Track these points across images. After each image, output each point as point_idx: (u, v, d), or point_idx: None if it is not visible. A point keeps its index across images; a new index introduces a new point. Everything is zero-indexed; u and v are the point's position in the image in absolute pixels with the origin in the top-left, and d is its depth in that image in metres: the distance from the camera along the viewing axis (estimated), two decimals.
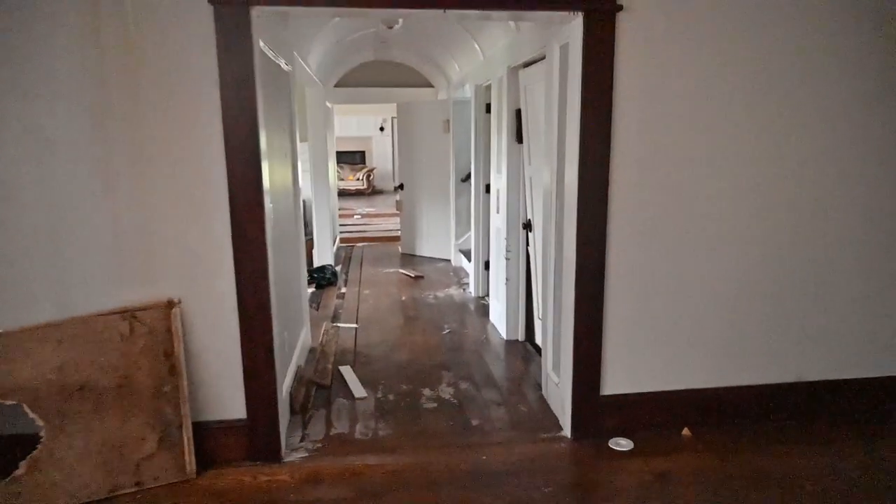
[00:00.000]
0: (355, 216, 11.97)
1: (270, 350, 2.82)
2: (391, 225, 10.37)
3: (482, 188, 5.71)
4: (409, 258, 7.88)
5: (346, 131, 17.19)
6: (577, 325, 2.96)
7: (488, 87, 5.42)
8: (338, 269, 7.16)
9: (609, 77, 2.75)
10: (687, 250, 2.97)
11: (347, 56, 7.27)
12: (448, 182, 7.35)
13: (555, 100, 3.19)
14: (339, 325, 5.03)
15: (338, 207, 9.19)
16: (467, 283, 6.36)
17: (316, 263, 7.18)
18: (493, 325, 4.98)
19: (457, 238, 7.34)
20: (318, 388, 3.75)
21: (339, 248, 8.48)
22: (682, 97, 2.83)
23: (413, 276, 6.77)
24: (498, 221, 4.83)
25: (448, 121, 7.24)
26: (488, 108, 5.53)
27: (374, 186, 16.83)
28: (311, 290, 6.14)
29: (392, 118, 14.58)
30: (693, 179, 2.91)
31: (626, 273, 2.94)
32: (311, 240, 7.25)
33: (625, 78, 2.77)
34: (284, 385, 3.38)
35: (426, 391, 3.68)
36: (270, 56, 3.28)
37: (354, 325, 5.00)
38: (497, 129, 4.77)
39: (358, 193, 16.39)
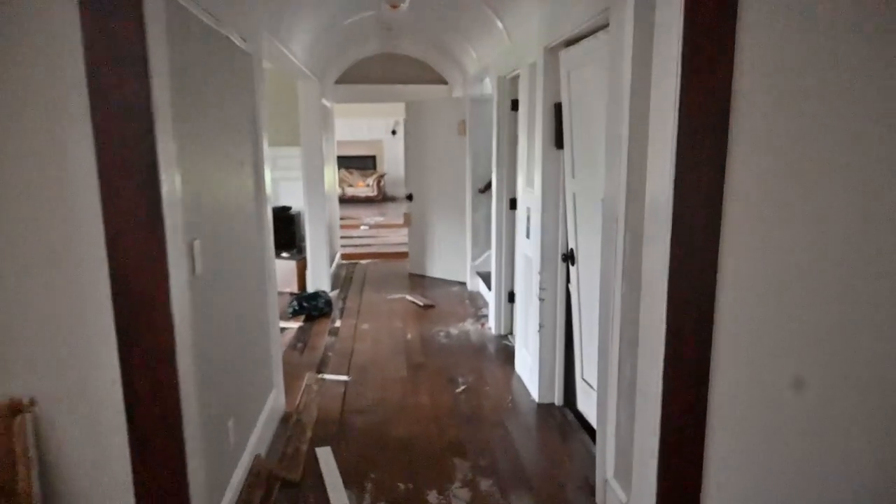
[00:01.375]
0: (362, 227, 10.97)
1: (180, 468, 1.79)
2: (401, 237, 9.31)
3: (505, 203, 4.65)
4: (418, 280, 6.83)
5: (356, 135, 16.24)
6: (666, 423, 1.90)
7: (514, 79, 4.37)
8: (334, 294, 6.13)
9: (728, 53, 1.69)
10: (853, 317, 1.87)
11: (348, 48, 6.26)
12: (464, 193, 6.31)
13: (625, 87, 2.14)
14: (325, 376, 4.00)
15: (339, 219, 8.18)
16: (486, 316, 5.30)
17: (309, 288, 6.17)
18: (519, 378, 3.91)
19: (473, 258, 6.28)
20: (284, 483, 2.71)
21: (339, 267, 7.46)
22: (843, 84, 1.75)
23: (422, 304, 5.72)
24: (528, 248, 3.78)
25: (464, 122, 6.21)
26: (514, 105, 4.48)
27: (385, 193, 15.87)
28: (298, 324, 5.11)
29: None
30: (861, 210, 1.82)
31: (748, 347, 1.87)
32: (304, 259, 6.24)
33: (752, 54, 1.70)
34: (229, 488, 2.36)
35: (432, 495, 2.62)
36: (208, 23, 2.27)
37: (345, 378, 3.96)
38: (527, 131, 3.72)
39: (368, 201, 15.42)
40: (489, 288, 5.28)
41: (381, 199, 15.55)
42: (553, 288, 3.44)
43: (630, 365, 2.17)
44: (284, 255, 6.41)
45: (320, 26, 4.77)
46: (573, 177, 3.14)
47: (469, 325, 5.11)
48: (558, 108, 3.25)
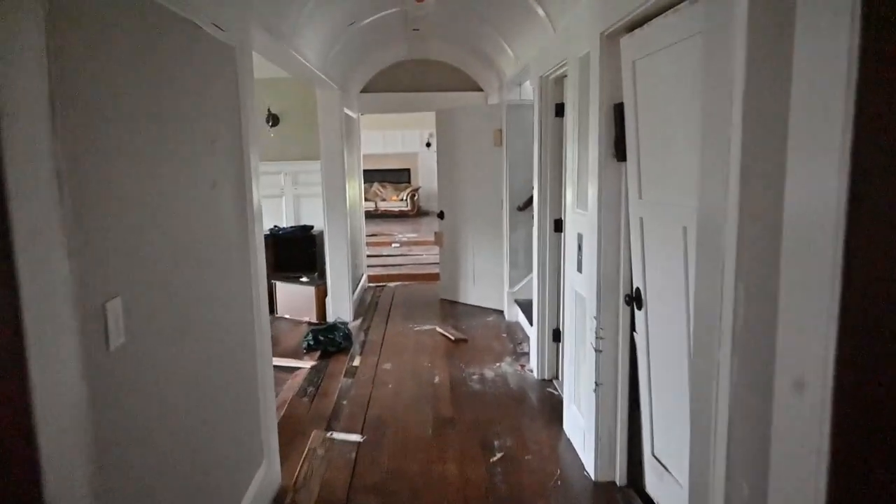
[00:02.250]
0: (393, 245, 10.38)
1: None
2: (435, 256, 8.66)
3: (549, 224, 3.96)
4: (450, 307, 6.16)
5: (389, 147, 15.78)
6: None
7: (560, 80, 3.69)
8: (356, 325, 5.52)
9: None
10: None
11: (372, 52, 5.69)
12: (500, 210, 5.63)
13: (735, 70, 1.44)
14: (335, 435, 3.36)
15: (366, 238, 7.60)
16: (526, 354, 4.60)
17: (330, 317, 5.57)
18: (569, 442, 3.19)
19: (511, 284, 5.59)
20: None
21: (364, 291, 6.86)
22: None
23: (454, 338, 5.05)
24: (579, 284, 3.07)
25: (500, 131, 5.55)
26: (559, 111, 3.80)
27: (419, 207, 15.32)
28: (311, 362, 4.50)
29: None
30: None
31: None
32: (325, 286, 5.65)
33: None
34: None
35: None
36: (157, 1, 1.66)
37: (357, 438, 3.31)
38: (577, 140, 3.04)
39: (401, 215, 14.87)
40: (530, 322, 4.58)
41: (415, 213, 14.99)
42: (613, 336, 2.72)
43: (751, 487, 1.44)
44: (304, 279, 5.84)
45: (335, 25, 4.19)
46: (640, 197, 2.44)
47: (507, 367, 4.41)
48: (619, 109, 2.56)
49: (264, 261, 2.77)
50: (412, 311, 6.00)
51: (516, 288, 5.55)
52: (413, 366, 4.44)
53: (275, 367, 2.93)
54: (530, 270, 5.34)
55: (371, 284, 7.31)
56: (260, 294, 2.67)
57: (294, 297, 5.77)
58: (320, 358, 4.62)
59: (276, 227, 6.48)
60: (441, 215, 6.34)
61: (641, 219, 2.44)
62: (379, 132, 15.41)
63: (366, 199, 15.45)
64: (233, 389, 2.34)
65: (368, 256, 9.07)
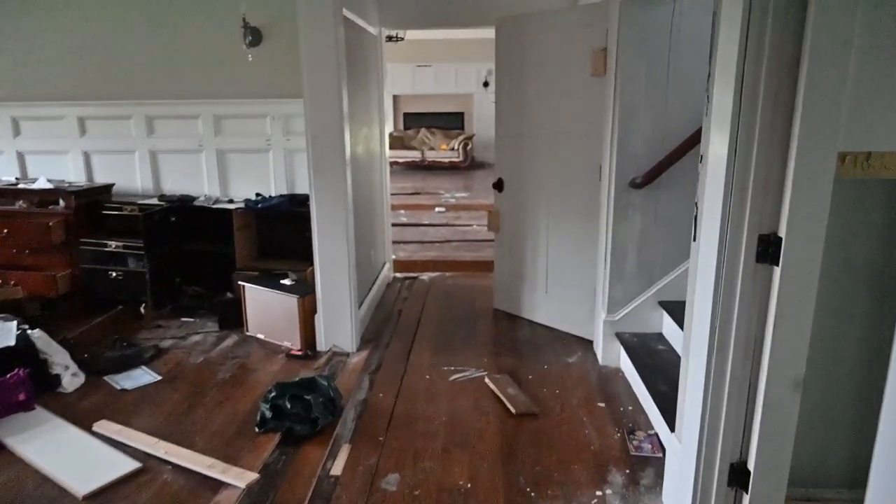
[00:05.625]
0: (436, 209, 8.23)
1: None
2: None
3: (743, 242, 1.74)
4: (508, 327, 4.06)
5: (441, 87, 13.40)
6: None
7: None
8: (358, 362, 3.49)
9: None
10: None
11: None
12: (597, 184, 3.42)
13: None
14: None
15: (389, 209, 5.52)
16: (647, 462, 2.48)
17: (321, 343, 3.59)
18: None
19: (612, 308, 3.40)
20: None
21: (385, 287, 4.83)
22: None
23: (514, 410, 2.95)
24: None
25: (604, 51, 3.26)
26: None
27: (472, 158, 13.04)
28: (261, 457, 2.51)
29: None
30: None
31: None
32: (311, 297, 3.64)
33: None
34: None
35: None
36: None
37: None
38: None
39: (452, 167, 12.62)
40: (644, 381, 2.45)
41: (468, 165, 12.72)
42: None
43: None
44: (286, 280, 3.84)
45: None
46: None
47: (616, 500, 2.30)
48: None
49: None
50: (451, 334, 3.93)
51: (620, 314, 3.38)
52: (438, 482, 2.40)
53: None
54: (645, 287, 3.20)
55: (398, 275, 5.26)
56: None
57: (270, 310, 3.79)
58: (279, 446, 2.64)
59: (258, 196, 4.47)
60: (499, 185, 4.15)
61: None
62: (429, 68, 13.08)
63: (411, 148, 13.41)
64: None
65: (402, 226, 7.01)
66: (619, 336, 3.36)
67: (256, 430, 2.76)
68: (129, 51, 4.46)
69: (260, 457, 2.55)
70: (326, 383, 2.90)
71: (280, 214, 4.28)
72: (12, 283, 4.16)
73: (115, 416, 2.90)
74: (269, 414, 2.76)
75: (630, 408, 2.95)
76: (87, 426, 2.80)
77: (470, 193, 9.51)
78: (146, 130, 4.59)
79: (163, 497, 2.31)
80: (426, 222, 7.40)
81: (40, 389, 3.10)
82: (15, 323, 3.43)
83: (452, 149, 12.76)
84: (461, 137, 12.92)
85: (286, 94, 4.27)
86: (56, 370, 3.28)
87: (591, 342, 3.67)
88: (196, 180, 4.63)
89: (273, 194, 4.51)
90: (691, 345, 1.97)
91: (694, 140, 2.87)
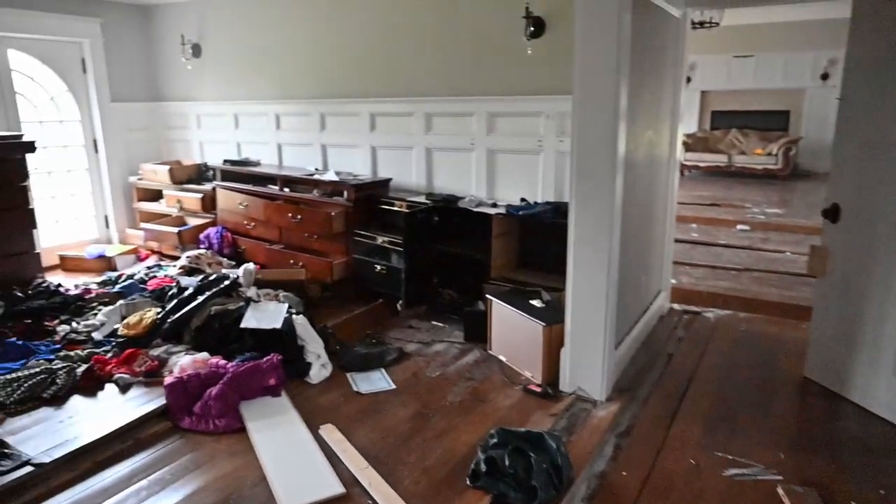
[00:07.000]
0: (738, 226, 6.86)
1: None
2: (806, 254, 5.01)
3: None
4: (823, 412, 2.94)
5: (762, 81, 11.39)
6: None
7: None
8: (605, 416, 2.83)
9: None
10: None
11: None
12: None
13: None
14: None
15: (673, 225, 4.62)
16: None
17: (564, 383, 3.05)
18: None
19: None
20: None
21: (656, 323, 4.02)
22: None
23: None
24: None
25: None
26: None
27: (796, 165, 10.80)
28: None
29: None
30: None
31: None
32: (561, 326, 3.09)
33: None
34: None
35: None
36: None
37: None
38: None
39: (767, 175, 10.63)
40: None
41: (788, 174, 10.60)
42: None
43: None
44: (536, 301, 3.39)
45: None
46: None
47: None
48: None
49: None
50: (735, 403, 3.00)
51: None
52: None
53: None
54: None
55: (675, 306, 4.38)
56: None
57: (515, 332, 3.38)
58: None
59: (523, 201, 4.09)
60: (833, 213, 3.00)
61: None
62: (749, 59, 11.27)
63: (717, 151, 11.70)
64: None
65: (690, 244, 5.96)
66: None
67: (468, 479, 2.36)
68: (414, 48, 4.49)
69: None
70: (556, 445, 2.35)
71: (542, 224, 3.84)
72: (300, 264, 4.55)
73: (341, 421, 2.81)
74: (483, 468, 2.33)
75: None
76: (315, 426, 2.76)
77: (786, 210, 7.79)
78: (424, 127, 4.59)
79: None
80: (722, 242, 6.19)
81: (290, 375, 3.22)
82: (286, 306, 3.66)
83: (770, 154, 10.77)
84: (783, 141, 10.82)
85: (563, 89, 3.77)
86: (309, 358, 3.39)
87: None
88: (464, 179, 4.47)
89: (539, 200, 4.09)
90: None
91: None
